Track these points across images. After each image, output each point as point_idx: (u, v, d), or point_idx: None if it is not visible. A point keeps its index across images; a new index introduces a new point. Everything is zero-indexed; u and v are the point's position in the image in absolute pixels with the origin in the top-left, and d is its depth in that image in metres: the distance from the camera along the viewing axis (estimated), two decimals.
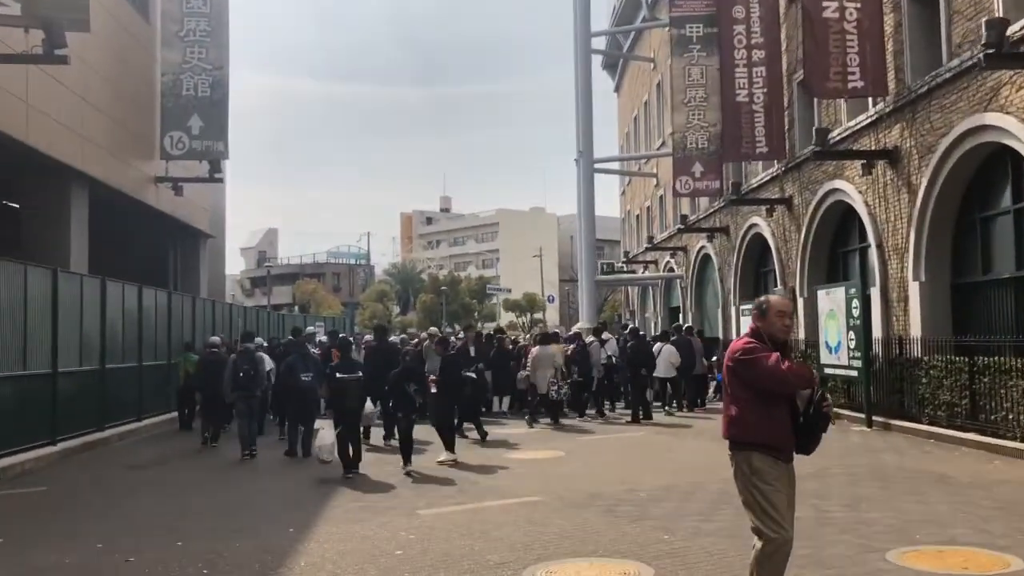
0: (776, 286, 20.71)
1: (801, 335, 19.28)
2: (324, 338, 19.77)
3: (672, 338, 18.15)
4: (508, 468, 11.09)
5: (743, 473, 4.60)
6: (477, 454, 12.38)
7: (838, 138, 17.06)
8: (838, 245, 18.90)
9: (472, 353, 15.45)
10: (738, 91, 20.26)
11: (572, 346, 17.55)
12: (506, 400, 18.25)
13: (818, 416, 4.57)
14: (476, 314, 68.91)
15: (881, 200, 15.69)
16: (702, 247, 27.81)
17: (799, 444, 4.64)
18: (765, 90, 20.12)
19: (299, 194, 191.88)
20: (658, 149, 33.50)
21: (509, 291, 79.18)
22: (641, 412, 16.07)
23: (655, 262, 35.96)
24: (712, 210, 26.15)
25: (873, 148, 15.82)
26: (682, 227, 26.95)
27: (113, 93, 19.09)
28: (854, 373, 14.66)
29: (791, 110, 20.07)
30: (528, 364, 17.57)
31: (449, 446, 11.69)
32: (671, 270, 32.51)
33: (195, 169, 21.47)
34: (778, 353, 4.53)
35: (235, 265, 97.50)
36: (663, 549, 6.57)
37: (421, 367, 12.26)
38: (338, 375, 11.01)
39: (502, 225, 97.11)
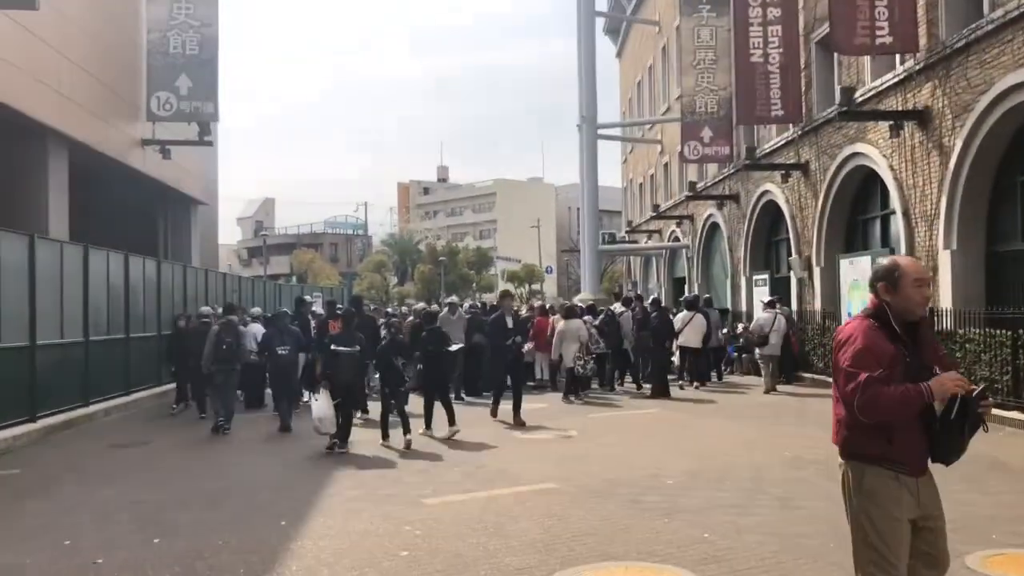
0: (791, 255, 19.89)
1: (817, 306, 18.51)
2: (320, 310, 18.74)
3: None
4: (517, 449, 10.32)
5: (850, 489, 3.60)
6: (483, 433, 11.59)
7: (861, 99, 16.13)
8: (858, 212, 18.05)
9: (510, 324, 13.19)
10: (752, 51, 19.29)
11: (600, 316, 16.81)
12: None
13: (964, 419, 3.40)
14: (474, 285, 68.07)
15: (908, 164, 14.82)
16: (710, 215, 26.93)
17: (935, 451, 3.55)
18: (781, 50, 19.16)
19: (296, 164, 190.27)
20: (663, 115, 32.56)
21: (519, 261, 78.47)
22: (655, 386, 15.34)
23: (659, 231, 35.06)
24: (722, 176, 25.24)
25: (901, 108, 14.93)
26: (690, 194, 26.04)
27: (95, 49, 18.05)
28: None
29: (808, 71, 19.14)
30: (536, 337, 17.00)
31: (426, 422, 11.58)
32: (676, 240, 31.62)
33: (184, 132, 20.46)
34: (886, 386, 3.33)
35: (232, 235, 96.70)
36: (706, 551, 5.78)
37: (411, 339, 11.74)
38: (333, 347, 10.46)
39: (499, 195, 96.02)
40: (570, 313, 15.86)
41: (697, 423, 12.15)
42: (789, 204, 20.29)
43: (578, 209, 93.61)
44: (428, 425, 11.49)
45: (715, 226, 26.89)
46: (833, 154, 17.78)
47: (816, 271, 18.68)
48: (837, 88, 17.67)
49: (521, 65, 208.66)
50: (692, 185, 25.96)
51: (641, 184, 39.44)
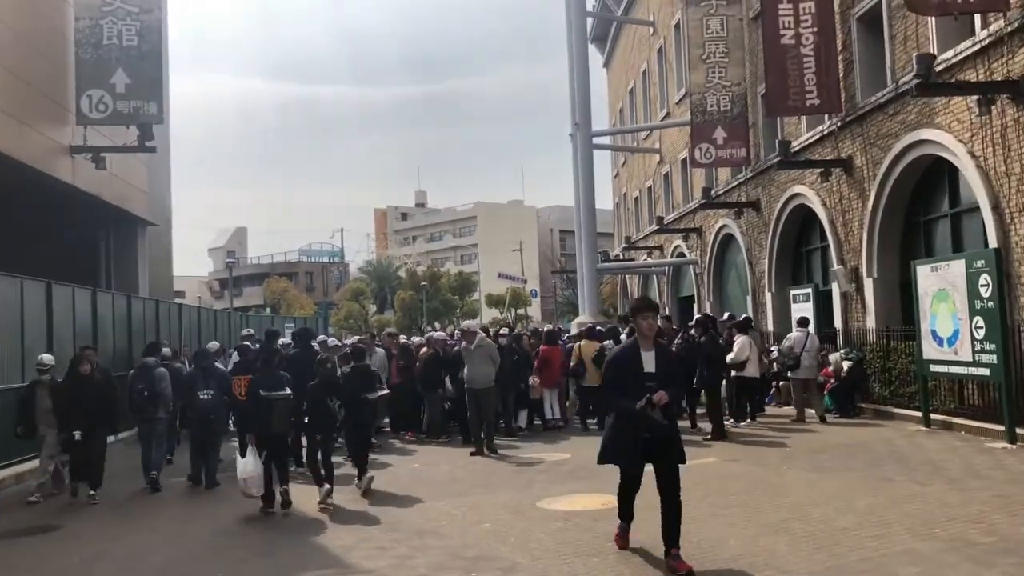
0: (834, 266, 17.19)
1: (871, 323, 15.81)
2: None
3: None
4: (551, 531, 7.42)
5: None
6: (497, 503, 8.73)
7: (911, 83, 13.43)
8: (918, 212, 15.42)
9: (650, 366, 6.76)
10: (783, 31, 16.81)
11: (677, 341, 13.93)
12: (523, 415, 14.74)
13: None
14: (458, 311, 65.15)
15: (998, 148, 12.17)
16: (723, 226, 24.26)
17: None
18: (815, 30, 16.69)
19: (269, 194, 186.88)
20: (662, 121, 30.06)
21: (525, 281, 76.30)
22: (713, 427, 12.56)
23: (660, 247, 32.38)
24: (737, 182, 22.61)
25: (984, 79, 12.31)
26: (704, 202, 23.33)
27: (7, 38, 15.06)
28: (983, 371, 11.14)
29: (848, 53, 16.58)
30: (542, 370, 14.37)
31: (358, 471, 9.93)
32: (681, 255, 28.94)
33: (123, 137, 17.45)
34: None
35: (203, 267, 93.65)
36: None
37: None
38: (261, 392, 9.00)
39: (480, 219, 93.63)
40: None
41: (779, 479, 9.28)
42: (827, 208, 17.64)
43: (560, 231, 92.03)
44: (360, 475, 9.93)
45: (729, 238, 24.23)
46: (886, 145, 15.18)
47: (867, 283, 16.00)
48: (888, 70, 15.16)
49: (494, 90, 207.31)
50: (706, 192, 23.28)
51: (637, 198, 36.84)
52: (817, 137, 17.79)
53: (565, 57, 29.68)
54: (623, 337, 14.88)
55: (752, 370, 13.89)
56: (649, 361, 6.32)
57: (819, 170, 17.48)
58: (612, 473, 10.03)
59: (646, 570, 6.09)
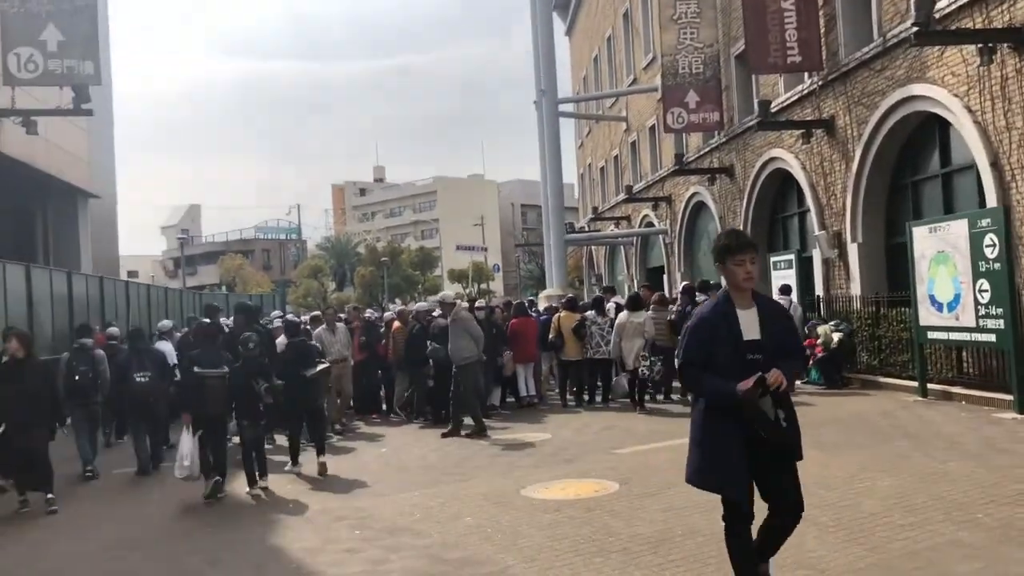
0: (815, 231, 16.51)
1: (855, 290, 15.18)
2: (278, 322, 14.28)
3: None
4: (543, 524, 6.57)
5: None
6: (476, 490, 7.87)
7: (903, 34, 12.69)
8: (905, 174, 14.75)
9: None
10: None
11: (676, 308, 13.36)
12: (496, 392, 13.89)
13: None
14: (420, 286, 64.01)
15: (997, 102, 11.48)
16: (695, 194, 23.54)
17: None
18: None
19: (224, 172, 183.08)
20: (628, 87, 29.20)
21: (485, 249, 75.29)
22: None
23: (628, 218, 31.63)
24: (710, 147, 21.85)
25: (984, 28, 11.57)
26: (676, 169, 22.54)
27: None
28: (988, 337, 10.48)
29: (830, 8, 15.80)
30: (514, 343, 13.58)
31: (292, 457, 9.71)
32: (650, 224, 28.20)
33: (58, 100, 16.10)
34: None
35: (157, 246, 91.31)
36: None
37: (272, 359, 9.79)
38: (196, 370, 8.39)
39: (440, 194, 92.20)
40: (635, 304, 12.54)
41: None
42: (807, 171, 16.94)
43: (522, 205, 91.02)
44: (294, 461, 9.65)
45: (701, 205, 23.54)
46: (872, 103, 14.46)
47: (852, 248, 15.35)
48: (875, 24, 14.41)
49: (452, 65, 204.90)
50: (679, 158, 22.48)
51: (602, 168, 36.03)
52: (796, 97, 17.05)
53: (524, 29, 29.38)
54: (609, 307, 14.15)
55: None
56: (751, 324, 4.22)
57: (799, 132, 16.76)
58: (601, 454, 9.28)
59: (662, 572, 5.25)
